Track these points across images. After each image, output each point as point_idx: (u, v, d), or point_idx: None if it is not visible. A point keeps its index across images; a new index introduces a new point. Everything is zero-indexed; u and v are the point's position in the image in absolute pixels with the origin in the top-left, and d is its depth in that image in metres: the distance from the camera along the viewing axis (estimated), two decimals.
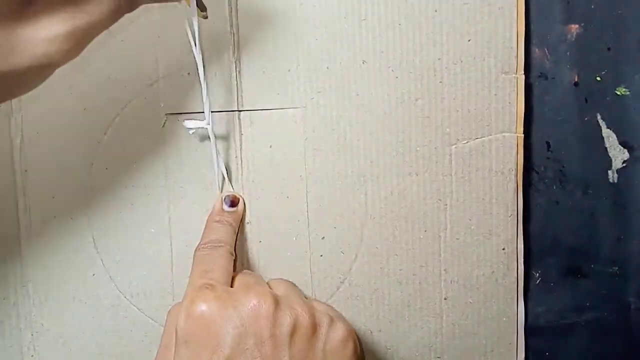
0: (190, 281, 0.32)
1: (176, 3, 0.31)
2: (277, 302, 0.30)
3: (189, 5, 0.32)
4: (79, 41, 0.28)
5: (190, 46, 0.34)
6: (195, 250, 0.35)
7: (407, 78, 0.38)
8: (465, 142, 0.39)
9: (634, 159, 0.41)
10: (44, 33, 0.26)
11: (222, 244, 0.35)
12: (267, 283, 0.34)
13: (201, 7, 0.35)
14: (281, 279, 0.36)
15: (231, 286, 0.32)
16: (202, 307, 0.30)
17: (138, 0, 0.29)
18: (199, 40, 0.33)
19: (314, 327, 0.30)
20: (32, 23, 0.26)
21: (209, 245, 0.35)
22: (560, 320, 0.42)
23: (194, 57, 0.34)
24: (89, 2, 0.27)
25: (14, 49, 0.26)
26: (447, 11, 0.37)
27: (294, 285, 0.35)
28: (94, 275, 0.38)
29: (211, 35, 0.37)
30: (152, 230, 0.38)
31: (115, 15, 0.29)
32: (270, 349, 0.29)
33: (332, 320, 0.31)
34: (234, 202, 0.37)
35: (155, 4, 0.30)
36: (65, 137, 0.37)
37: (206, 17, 0.36)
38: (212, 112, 0.37)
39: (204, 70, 0.34)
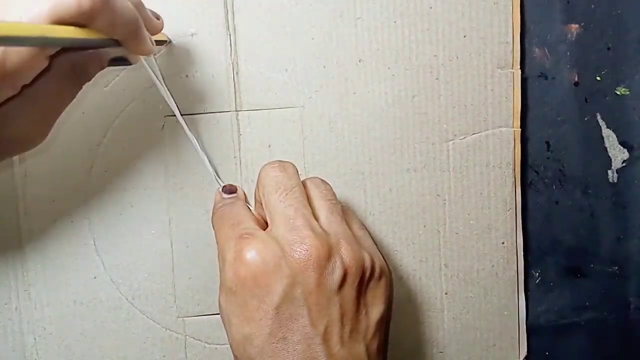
0: (222, 240, 0.31)
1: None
2: (327, 250, 0.29)
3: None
4: (48, 123, 0.30)
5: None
6: (213, 216, 0.34)
7: (403, 75, 0.38)
8: (462, 137, 0.39)
9: (633, 159, 0.41)
10: (15, 130, 0.28)
11: (236, 199, 0.35)
12: (311, 205, 0.32)
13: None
14: (322, 186, 0.33)
15: (268, 225, 0.31)
16: (250, 254, 0.29)
17: (89, 73, 0.30)
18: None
19: (362, 275, 0.30)
20: (3, 123, 0.28)
21: (224, 203, 0.34)
22: (560, 320, 0.42)
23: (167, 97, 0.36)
24: (45, 93, 0.29)
25: None
26: (442, 7, 0.38)
27: (336, 203, 0.33)
28: (95, 278, 0.38)
29: (208, 36, 0.37)
30: (153, 232, 0.38)
31: (72, 92, 0.30)
32: (317, 297, 0.28)
33: (373, 262, 0.31)
34: (232, 190, 0.37)
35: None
36: (64, 141, 0.37)
37: (170, 42, 0.37)
38: (211, 113, 0.38)
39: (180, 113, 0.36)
